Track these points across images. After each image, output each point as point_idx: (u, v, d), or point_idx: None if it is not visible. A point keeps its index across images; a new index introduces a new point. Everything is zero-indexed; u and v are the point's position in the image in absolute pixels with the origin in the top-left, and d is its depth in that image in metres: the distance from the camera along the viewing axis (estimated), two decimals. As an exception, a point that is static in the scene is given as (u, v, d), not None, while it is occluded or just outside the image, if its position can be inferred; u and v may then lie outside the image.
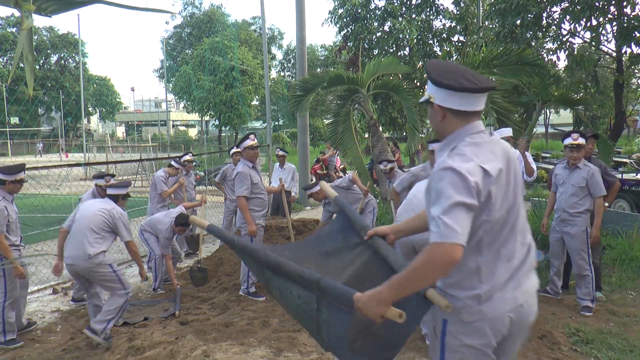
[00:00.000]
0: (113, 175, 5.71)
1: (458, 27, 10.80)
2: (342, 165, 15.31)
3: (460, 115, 1.75)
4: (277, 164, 9.06)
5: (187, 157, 7.91)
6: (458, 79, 1.72)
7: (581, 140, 4.82)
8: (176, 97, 34.37)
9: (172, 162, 7.28)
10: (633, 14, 6.87)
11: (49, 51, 43.25)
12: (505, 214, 1.73)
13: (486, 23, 9.33)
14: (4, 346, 4.48)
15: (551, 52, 8.47)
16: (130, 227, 4.57)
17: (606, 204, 5.41)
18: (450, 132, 1.78)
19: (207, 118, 34.41)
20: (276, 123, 40.23)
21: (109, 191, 4.70)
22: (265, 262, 1.96)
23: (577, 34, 7.69)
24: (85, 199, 5.36)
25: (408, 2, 11.38)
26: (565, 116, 31.29)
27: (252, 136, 5.66)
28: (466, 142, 1.72)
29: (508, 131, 5.82)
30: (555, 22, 7.68)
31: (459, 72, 1.74)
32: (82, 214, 4.51)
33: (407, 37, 10.71)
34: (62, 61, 45.69)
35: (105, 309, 4.37)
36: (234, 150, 8.04)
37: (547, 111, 31.26)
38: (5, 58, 40.88)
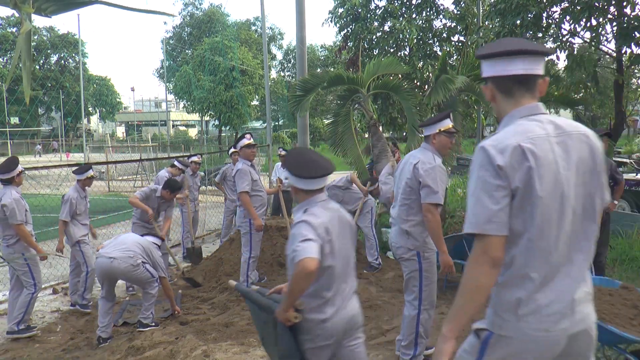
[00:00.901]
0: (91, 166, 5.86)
1: (458, 27, 10.77)
2: None
3: (307, 192, 2.52)
4: (279, 163, 9.05)
5: (195, 159, 7.93)
6: (305, 170, 2.49)
7: None
8: (176, 97, 34.35)
9: (175, 162, 7.28)
10: (633, 14, 6.86)
11: (49, 51, 43.22)
12: (341, 261, 2.47)
13: (486, 23, 9.32)
14: (18, 335, 4.62)
15: (551, 52, 8.46)
16: (165, 268, 4.93)
17: (615, 202, 5.42)
18: (301, 201, 2.54)
19: (207, 118, 34.40)
20: (276, 123, 40.20)
21: (149, 239, 5.02)
22: (258, 302, 2.66)
23: (577, 34, 7.68)
24: (70, 195, 5.36)
25: (408, 2, 11.36)
26: (565, 116, 31.26)
27: (248, 135, 5.70)
28: (315, 207, 2.47)
29: None
30: (555, 22, 7.67)
31: (303, 164, 2.52)
32: (135, 234, 4.99)
33: (407, 37, 10.68)
34: (62, 61, 45.64)
35: (145, 305, 4.75)
36: (233, 150, 8.04)
37: (547, 111, 31.25)
38: (5, 58, 40.85)
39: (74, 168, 5.68)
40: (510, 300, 1.62)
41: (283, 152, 9.02)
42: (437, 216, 3.41)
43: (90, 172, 5.58)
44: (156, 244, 4.97)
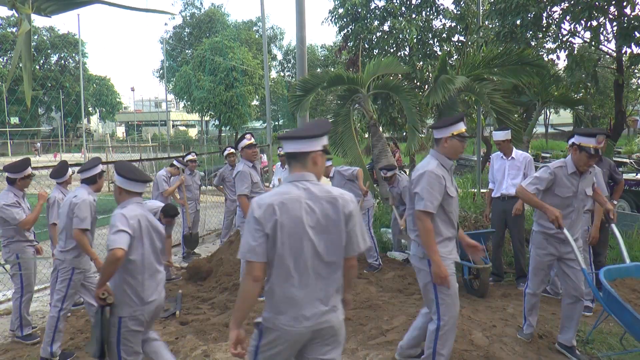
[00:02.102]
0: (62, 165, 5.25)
1: (458, 27, 10.77)
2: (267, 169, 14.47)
3: (129, 193, 3.23)
4: (279, 163, 9.00)
5: (190, 157, 7.93)
6: (134, 174, 3.22)
7: None
8: (176, 97, 34.33)
9: (174, 162, 7.29)
10: (633, 14, 6.86)
11: (49, 51, 43.20)
12: (150, 250, 3.19)
13: (486, 23, 9.32)
14: (23, 340, 4.62)
15: (551, 52, 8.47)
16: (83, 217, 4.02)
17: (615, 202, 5.40)
18: (122, 201, 3.23)
19: (207, 118, 34.37)
20: (276, 123, 40.17)
21: (81, 176, 4.35)
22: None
23: (577, 34, 7.68)
24: (56, 196, 5.04)
25: (408, 2, 11.36)
26: (565, 116, 31.27)
27: (248, 135, 5.62)
28: (132, 204, 3.20)
29: (501, 134, 5.77)
30: (555, 22, 7.66)
31: (131, 169, 3.26)
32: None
33: (407, 37, 10.68)
34: (62, 61, 45.62)
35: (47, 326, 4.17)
36: (228, 151, 8.02)
37: (547, 111, 31.23)
38: (5, 58, 40.84)
39: (75, 168, 5.37)
40: (272, 304, 2.35)
41: (283, 152, 8.98)
42: (426, 223, 3.24)
43: (70, 172, 5.22)
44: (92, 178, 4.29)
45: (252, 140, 5.58)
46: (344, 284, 2.45)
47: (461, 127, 3.37)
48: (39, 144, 36.00)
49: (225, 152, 8.09)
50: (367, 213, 6.54)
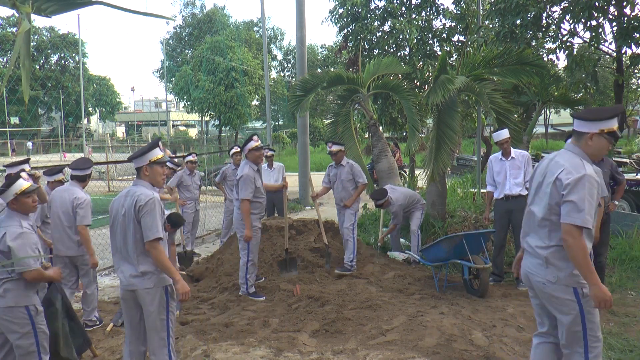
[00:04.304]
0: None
1: (458, 27, 10.78)
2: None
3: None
4: (266, 164, 8.73)
5: (190, 158, 7.90)
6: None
7: None
8: (176, 97, 34.34)
9: (167, 162, 7.23)
10: (633, 14, 6.87)
11: (49, 51, 43.19)
12: None
13: (486, 23, 9.31)
14: None
15: (551, 52, 8.47)
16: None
17: (615, 202, 5.40)
18: None
19: (207, 118, 34.38)
20: (276, 123, 40.19)
21: (73, 173, 4.77)
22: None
23: (577, 34, 7.68)
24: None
25: (408, 2, 11.37)
26: (565, 116, 31.29)
27: (255, 137, 5.41)
28: None
29: (505, 133, 5.78)
30: (555, 22, 7.66)
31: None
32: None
33: (407, 37, 10.69)
34: (62, 61, 45.62)
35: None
36: (234, 150, 8.02)
37: (547, 111, 31.23)
38: (5, 58, 40.83)
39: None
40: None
41: (270, 153, 8.67)
42: (581, 241, 2.74)
43: (60, 176, 5.08)
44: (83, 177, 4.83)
45: (259, 142, 5.41)
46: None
47: (614, 124, 2.82)
48: (29, 144, 35.92)
49: (232, 151, 8.02)
50: (354, 214, 6.40)
